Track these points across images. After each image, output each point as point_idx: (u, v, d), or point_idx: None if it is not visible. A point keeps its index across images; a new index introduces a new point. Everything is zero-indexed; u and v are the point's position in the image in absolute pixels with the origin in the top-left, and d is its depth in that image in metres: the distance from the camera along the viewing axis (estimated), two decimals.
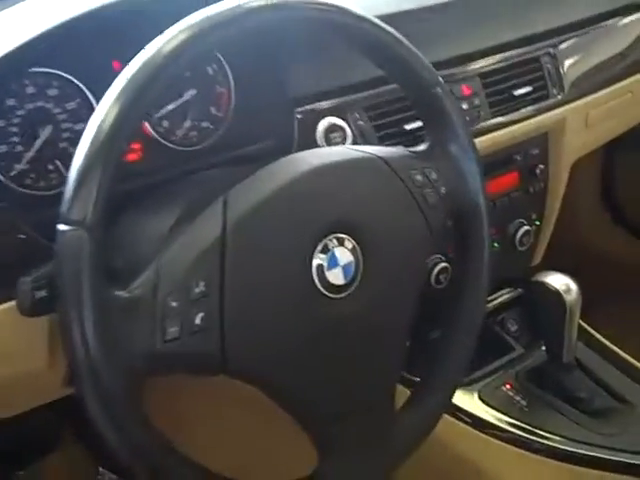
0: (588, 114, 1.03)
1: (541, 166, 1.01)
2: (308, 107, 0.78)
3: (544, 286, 0.89)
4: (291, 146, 0.77)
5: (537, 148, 1.00)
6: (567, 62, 1.00)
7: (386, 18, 0.66)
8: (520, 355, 1.00)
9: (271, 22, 0.59)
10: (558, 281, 0.89)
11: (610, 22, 1.09)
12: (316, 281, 0.56)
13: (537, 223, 1.05)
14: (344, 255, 0.57)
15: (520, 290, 1.07)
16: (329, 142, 0.78)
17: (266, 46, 0.76)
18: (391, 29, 0.65)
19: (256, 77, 0.78)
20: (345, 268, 0.57)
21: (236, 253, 0.53)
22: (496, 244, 1.00)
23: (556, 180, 1.04)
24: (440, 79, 0.67)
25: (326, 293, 0.57)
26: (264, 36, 0.65)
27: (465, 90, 0.90)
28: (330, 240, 0.57)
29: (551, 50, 0.99)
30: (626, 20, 1.11)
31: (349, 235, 0.58)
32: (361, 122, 0.81)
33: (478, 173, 0.67)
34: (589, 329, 1.05)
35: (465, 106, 0.89)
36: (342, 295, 0.57)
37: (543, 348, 0.95)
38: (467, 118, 0.88)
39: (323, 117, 0.78)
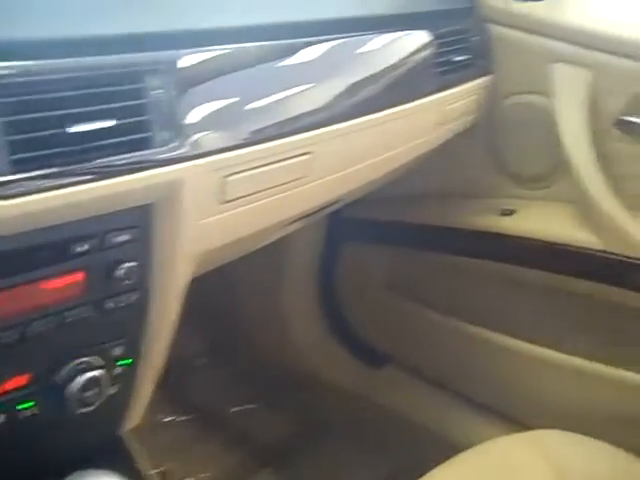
0: (228, 182, 0.75)
1: (131, 264, 0.68)
2: None
3: None
4: None
5: (127, 232, 0.68)
6: (190, 91, 0.71)
7: None
8: None
9: None
10: None
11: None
12: None
13: (128, 362, 0.73)
14: None
15: None
16: None
17: None
18: None
19: None
20: None
21: None
22: (29, 404, 0.65)
23: (168, 288, 0.73)
24: None
25: None
26: None
27: None
28: None
29: (162, 65, 0.68)
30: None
31: None
32: None
33: None
34: None
35: None
36: None
37: None
38: None
39: None
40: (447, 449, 0.92)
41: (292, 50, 0.82)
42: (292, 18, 0.84)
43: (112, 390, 0.70)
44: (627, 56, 1.11)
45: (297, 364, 1.54)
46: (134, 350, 0.72)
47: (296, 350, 1.54)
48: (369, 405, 1.47)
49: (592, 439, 0.97)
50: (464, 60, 1.12)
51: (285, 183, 0.80)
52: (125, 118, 0.63)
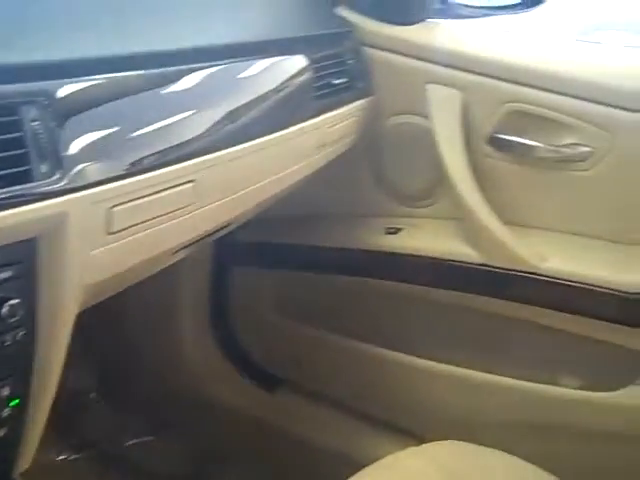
0: (114, 213, 0.75)
1: (16, 300, 0.67)
2: None
3: None
4: None
5: (10, 268, 0.67)
6: (70, 121, 0.70)
7: None
8: None
9: None
10: None
11: None
12: None
13: (15, 402, 0.71)
14: None
15: None
16: None
17: None
18: None
19: None
20: None
21: None
22: None
23: (55, 323, 0.72)
24: None
25: None
26: None
27: None
28: None
29: (39, 96, 0.67)
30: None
31: None
32: None
33: None
34: None
35: None
36: None
37: None
38: None
39: None
40: (349, 468, 0.93)
41: (171, 78, 0.82)
42: (170, 46, 0.85)
43: (0, 432, 0.68)
44: (495, 77, 1.18)
45: (192, 392, 1.52)
46: (22, 390, 0.71)
47: (190, 377, 1.53)
48: (268, 429, 1.48)
49: (485, 447, 1.00)
50: (342, 83, 1.15)
51: (172, 211, 0.81)
52: (2, 151, 0.62)
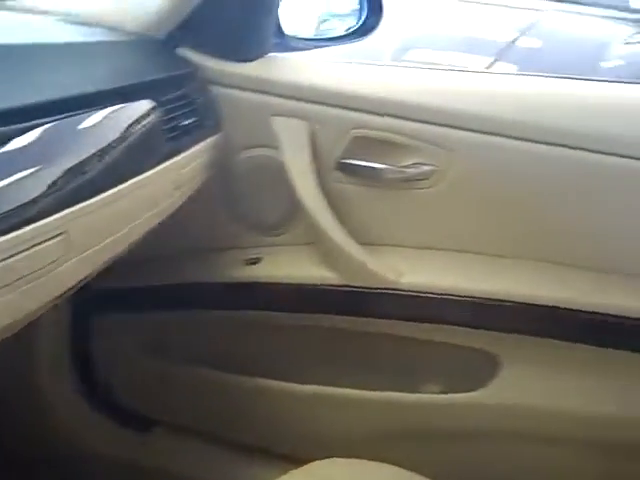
0: None
1: None
2: None
3: None
4: None
5: None
6: None
7: None
8: None
9: None
10: None
11: None
12: None
13: None
14: None
15: None
16: None
17: None
18: None
19: None
20: None
21: None
22: None
23: None
24: None
25: None
26: None
27: None
28: None
29: None
30: None
31: None
32: None
33: None
34: None
35: None
36: None
37: None
38: None
39: None
40: None
41: (13, 136, 0.80)
42: (7, 104, 0.82)
43: None
44: (337, 105, 1.25)
45: (63, 448, 1.48)
46: None
47: (60, 432, 1.49)
48: (147, 473, 1.46)
49: (364, 461, 1.05)
50: (191, 123, 1.18)
51: (43, 267, 0.80)
52: None
